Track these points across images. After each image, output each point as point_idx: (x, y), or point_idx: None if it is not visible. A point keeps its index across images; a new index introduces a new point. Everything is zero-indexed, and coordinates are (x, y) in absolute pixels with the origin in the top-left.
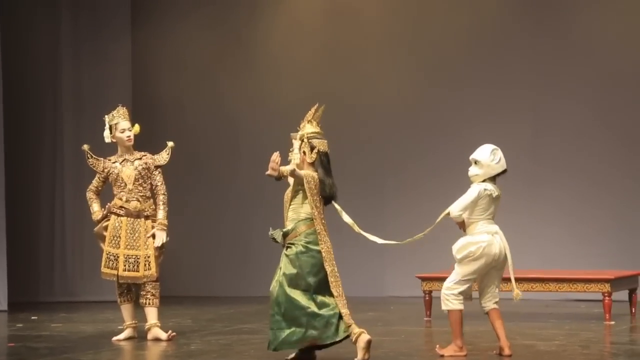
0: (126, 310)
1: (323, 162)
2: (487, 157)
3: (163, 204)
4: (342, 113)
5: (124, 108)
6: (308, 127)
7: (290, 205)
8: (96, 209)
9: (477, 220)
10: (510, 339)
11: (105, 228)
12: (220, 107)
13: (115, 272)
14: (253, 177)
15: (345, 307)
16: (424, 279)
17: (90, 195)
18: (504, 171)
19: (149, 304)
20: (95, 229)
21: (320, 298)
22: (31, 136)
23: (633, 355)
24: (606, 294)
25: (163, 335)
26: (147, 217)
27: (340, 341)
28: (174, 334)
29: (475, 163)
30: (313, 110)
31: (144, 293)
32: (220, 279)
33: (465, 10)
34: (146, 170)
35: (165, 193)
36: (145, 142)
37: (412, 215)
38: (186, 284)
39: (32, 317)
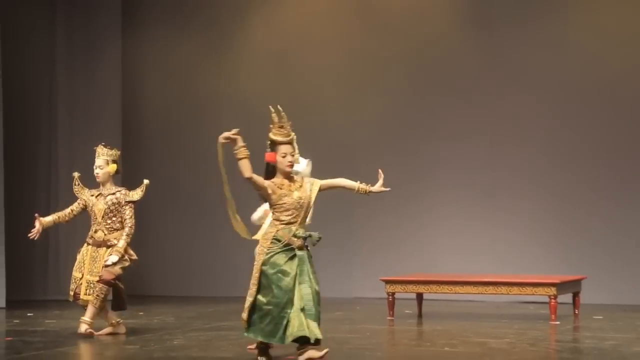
0: (105, 316)
1: None
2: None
3: (126, 235)
4: (315, 127)
5: (103, 146)
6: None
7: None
8: (48, 219)
9: None
10: (465, 337)
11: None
12: (204, 112)
13: (72, 294)
14: (236, 183)
15: None
16: (387, 282)
17: (63, 211)
18: None
19: (92, 302)
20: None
21: None
22: (28, 143)
23: (575, 352)
24: (552, 297)
25: (82, 329)
26: (109, 246)
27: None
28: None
29: None
30: (279, 115)
31: (94, 293)
32: (200, 280)
33: (425, 29)
34: (116, 205)
35: (132, 226)
36: (134, 150)
37: (378, 221)
38: (170, 284)
39: (28, 314)
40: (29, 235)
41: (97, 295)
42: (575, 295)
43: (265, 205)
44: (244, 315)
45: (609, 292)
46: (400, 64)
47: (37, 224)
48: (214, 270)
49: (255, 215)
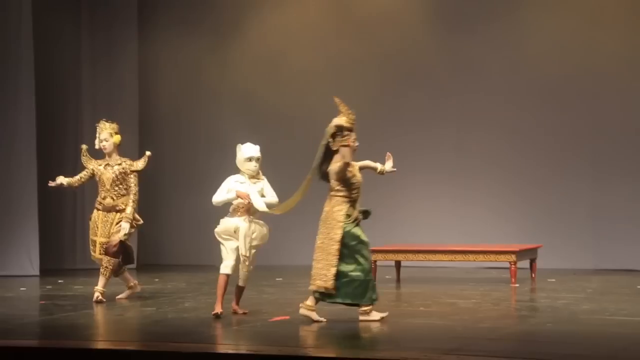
0: (122, 279)
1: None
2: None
3: (132, 202)
4: (302, 117)
5: (104, 121)
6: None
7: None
8: (61, 179)
9: None
10: (437, 298)
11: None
12: (209, 104)
13: (93, 254)
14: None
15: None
16: (371, 251)
17: (73, 177)
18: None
19: (102, 273)
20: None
21: None
22: (58, 131)
23: (532, 310)
24: (512, 263)
25: (94, 297)
26: (118, 211)
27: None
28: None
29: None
30: (344, 105)
31: (103, 264)
32: (209, 250)
33: (397, 33)
34: (123, 174)
35: (137, 193)
36: (148, 137)
37: (363, 199)
38: (181, 254)
39: (59, 281)
40: (49, 183)
41: (106, 267)
42: (532, 261)
43: (228, 192)
44: (330, 283)
45: (561, 258)
46: (377, 63)
47: (58, 180)
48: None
49: (219, 198)
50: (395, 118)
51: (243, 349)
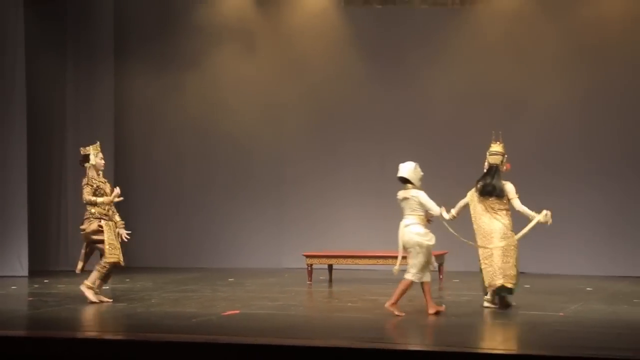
0: (105, 277)
1: (490, 169)
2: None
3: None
4: (252, 141)
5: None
6: (494, 146)
7: None
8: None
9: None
10: (362, 296)
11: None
12: (175, 128)
13: (117, 258)
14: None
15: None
16: (307, 256)
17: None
18: (399, 179)
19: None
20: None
21: None
22: (45, 148)
23: (439, 303)
24: None
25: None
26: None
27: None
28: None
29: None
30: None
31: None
32: (174, 253)
33: (333, 66)
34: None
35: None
36: (121, 154)
37: (301, 208)
38: (149, 257)
39: (45, 280)
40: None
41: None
42: (441, 265)
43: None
44: (515, 281)
45: (464, 262)
46: (317, 93)
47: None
48: (185, 246)
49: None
50: (331, 141)
51: (199, 339)
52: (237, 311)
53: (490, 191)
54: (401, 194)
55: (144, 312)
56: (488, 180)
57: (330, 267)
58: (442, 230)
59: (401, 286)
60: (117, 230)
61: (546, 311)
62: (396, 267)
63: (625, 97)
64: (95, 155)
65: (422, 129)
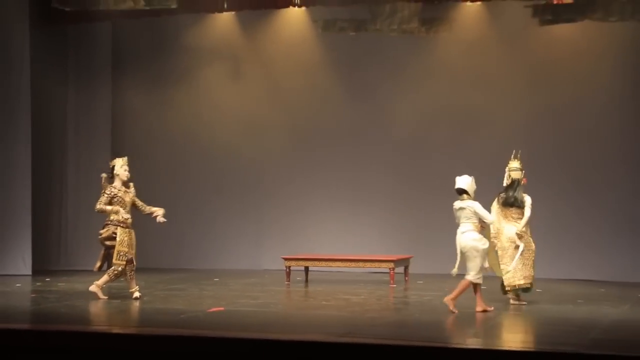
0: (112, 278)
1: (512, 183)
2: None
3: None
4: (236, 156)
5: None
6: (514, 163)
7: None
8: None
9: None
10: (335, 295)
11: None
12: (168, 138)
13: (124, 263)
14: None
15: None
16: (285, 259)
17: (106, 206)
18: (457, 190)
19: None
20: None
21: None
22: (48, 154)
23: (405, 303)
24: (391, 269)
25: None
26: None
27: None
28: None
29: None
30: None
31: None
32: (162, 255)
33: (309, 86)
34: (134, 199)
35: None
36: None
37: (279, 215)
38: (140, 259)
39: (46, 279)
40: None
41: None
42: (406, 268)
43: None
44: (533, 280)
45: (426, 266)
46: (295, 109)
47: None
48: (174, 248)
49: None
50: (306, 150)
51: (187, 333)
52: (222, 308)
53: (512, 202)
54: (458, 204)
55: (137, 308)
56: (510, 193)
57: (306, 268)
58: (408, 235)
59: (461, 286)
60: (157, 218)
61: (499, 310)
62: (454, 270)
63: (573, 114)
64: (120, 167)
65: (389, 144)
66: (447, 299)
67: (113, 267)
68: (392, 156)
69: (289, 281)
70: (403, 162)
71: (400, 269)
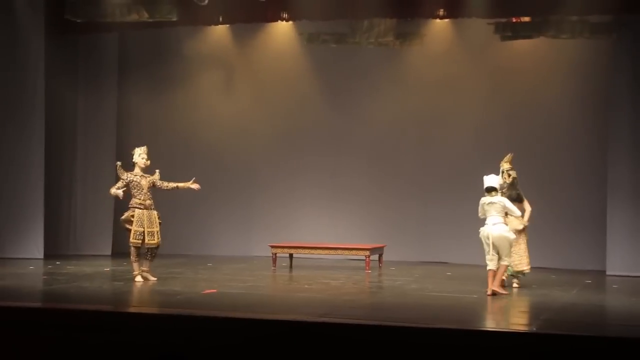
0: (138, 264)
1: (513, 182)
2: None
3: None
4: (228, 154)
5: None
6: (507, 164)
7: None
8: (115, 192)
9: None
10: (316, 280)
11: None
12: (171, 139)
13: (139, 242)
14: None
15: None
16: (272, 247)
17: (119, 190)
18: (488, 188)
19: (149, 259)
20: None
21: None
22: (59, 153)
23: (379, 287)
24: (367, 256)
25: (151, 278)
26: (153, 209)
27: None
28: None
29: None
30: (509, 156)
31: (150, 254)
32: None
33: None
34: (152, 182)
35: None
36: (125, 158)
37: (269, 205)
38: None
39: (57, 262)
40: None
41: (152, 255)
42: (380, 255)
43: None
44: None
45: (398, 254)
46: (282, 113)
47: (113, 193)
48: (172, 236)
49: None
50: (291, 145)
51: (183, 312)
52: (215, 290)
53: (515, 198)
54: (487, 199)
55: (137, 289)
56: (513, 191)
57: (291, 255)
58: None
59: (500, 271)
60: (189, 185)
61: (463, 294)
62: (493, 263)
63: (529, 118)
64: (138, 155)
65: (366, 145)
66: (495, 289)
67: (130, 246)
68: (368, 156)
69: (275, 266)
70: (378, 161)
71: (375, 257)
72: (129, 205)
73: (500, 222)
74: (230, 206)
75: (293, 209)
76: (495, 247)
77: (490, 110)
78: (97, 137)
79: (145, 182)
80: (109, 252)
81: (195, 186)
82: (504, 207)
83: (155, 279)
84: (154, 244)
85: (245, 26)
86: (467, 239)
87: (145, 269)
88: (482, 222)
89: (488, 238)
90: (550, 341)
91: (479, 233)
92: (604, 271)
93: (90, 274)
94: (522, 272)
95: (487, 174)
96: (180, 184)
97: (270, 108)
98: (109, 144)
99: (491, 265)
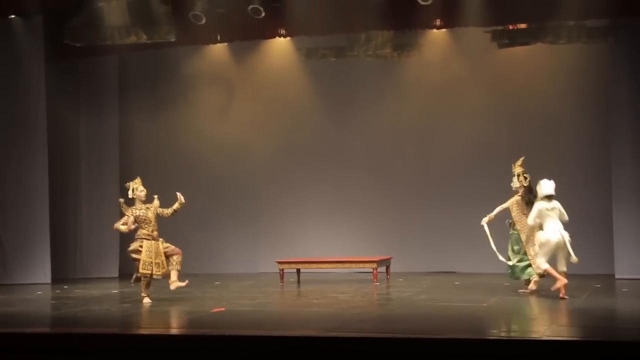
0: (147, 290)
1: (530, 185)
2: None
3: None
4: (230, 164)
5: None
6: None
7: None
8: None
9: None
10: (325, 294)
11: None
12: (172, 155)
13: (149, 272)
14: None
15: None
16: (279, 262)
17: (127, 225)
18: (549, 195)
19: (173, 269)
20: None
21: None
22: (63, 176)
23: (388, 299)
24: (374, 269)
25: (183, 283)
26: (159, 239)
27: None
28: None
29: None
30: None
31: (174, 263)
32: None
33: (295, 103)
34: (158, 214)
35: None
36: (124, 181)
37: (275, 223)
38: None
39: (64, 287)
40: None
41: (177, 262)
42: (388, 267)
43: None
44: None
45: (406, 265)
46: (284, 128)
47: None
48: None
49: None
50: (293, 161)
51: (192, 332)
52: (223, 308)
53: (532, 201)
54: (549, 204)
55: (146, 310)
56: (531, 194)
57: (298, 270)
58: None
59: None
60: (179, 200)
61: (473, 303)
62: (573, 257)
63: (527, 123)
64: (134, 190)
65: (366, 158)
66: (561, 293)
67: (139, 276)
68: (370, 168)
69: (282, 282)
70: (380, 173)
71: (382, 269)
72: (136, 237)
73: (562, 226)
74: (235, 223)
75: (298, 224)
76: (565, 248)
77: (490, 118)
78: (100, 158)
79: (151, 214)
80: (116, 274)
81: (180, 197)
82: (561, 211)
83: (186, 282)
84: (160, 275)
85: (243, 44)
86: (473, 248)
87: (173, 279)
88: (493, 228)
89: (562, 241)
90: (564, 348)
91: (544, 239)
92: (613, 275)
93: (99, 297)
94: (540, 272)
95: (488, 181)
96: (175, 206)
97: (271, 124)
98: (112, 165)
99: (561, 267)
